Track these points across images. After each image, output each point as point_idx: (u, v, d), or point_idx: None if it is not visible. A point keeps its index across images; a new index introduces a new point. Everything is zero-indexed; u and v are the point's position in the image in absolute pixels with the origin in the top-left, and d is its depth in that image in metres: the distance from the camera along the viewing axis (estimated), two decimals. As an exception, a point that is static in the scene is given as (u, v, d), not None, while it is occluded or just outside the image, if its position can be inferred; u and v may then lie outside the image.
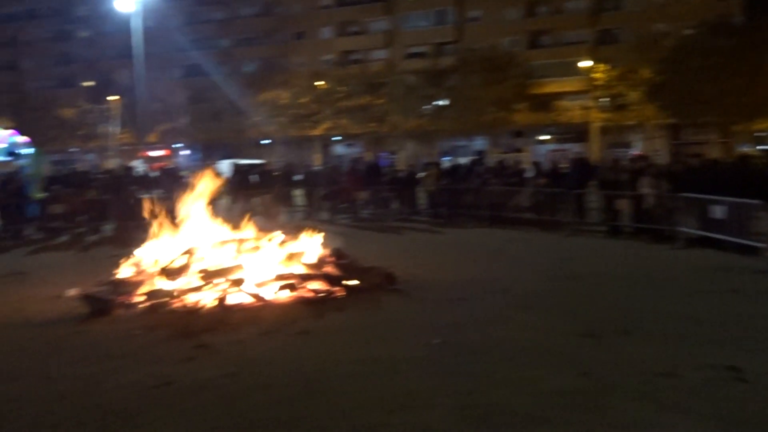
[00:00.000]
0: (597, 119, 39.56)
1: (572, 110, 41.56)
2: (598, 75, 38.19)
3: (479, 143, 44.79)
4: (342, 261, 8.13)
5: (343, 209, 17.18)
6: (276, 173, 18.66)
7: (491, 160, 23.82)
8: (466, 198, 15.53)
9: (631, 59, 35.69)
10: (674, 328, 5.75)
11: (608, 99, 38.67)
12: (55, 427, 3.90)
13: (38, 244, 13.32)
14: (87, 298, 6.86)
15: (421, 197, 17.45)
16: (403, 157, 44.70)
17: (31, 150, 34.44)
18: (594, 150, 38.23)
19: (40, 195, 15.21)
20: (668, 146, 37.04)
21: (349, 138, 47.90)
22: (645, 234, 11.59)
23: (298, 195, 17.80)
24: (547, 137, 44.37)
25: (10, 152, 31.98)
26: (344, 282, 7.56)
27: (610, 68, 37.56)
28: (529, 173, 15.81)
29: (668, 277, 8.26)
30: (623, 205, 12.34)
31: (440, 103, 42.12)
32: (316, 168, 21.78)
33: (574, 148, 37.45)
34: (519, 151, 41.74)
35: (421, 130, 42.66)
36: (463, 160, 19.31)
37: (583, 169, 14.41)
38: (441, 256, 10.33)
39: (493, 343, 5.46)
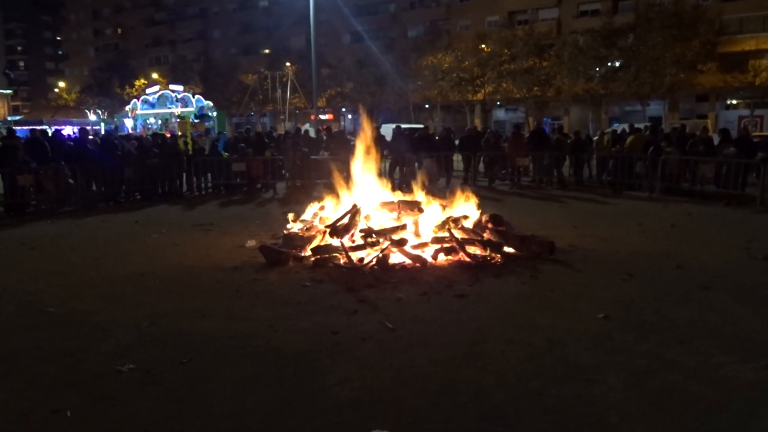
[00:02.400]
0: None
1: (773, 70, 36.57)
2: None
3: (654, 108, 41.23)
4: (500, 228, 8.02)
5: (503, 175, 16.88)
6: (437, 137, 18.74)
7: (668, 126, 21.82)
8: (639, 167, 14.47)
9: None
10: None
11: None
12: (238, 362, 4.35)
13: (222, 198, 14.75)
14: (264, 249, 7.51)
15: (589, 165, 16.57)
16: (566, 122, 42.62)
17: (215, 113, 38.00)
18: (797, 116, 33.40)
19: (224, 154, 16.74)
20: None
21: (510, 102, 46.67)
22: None
23: (458, 160, 17.78)
24: (737, 102, 39.60)
25: (199, 115, 35.66)
26: (502, 249, 7.46)
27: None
28: (715, 141, 14.28)
29: None
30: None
31: (613, 64, 39.24)
32: (476, 133, 21.46)
33: (771, 115, 33.07)
34: (702, 117, 37.81)
35: (590, 93, 40.21)
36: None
37: (783, 137, 12.73)
38: (607, 228, 9.73)
39: (665, 322, 5.10)
